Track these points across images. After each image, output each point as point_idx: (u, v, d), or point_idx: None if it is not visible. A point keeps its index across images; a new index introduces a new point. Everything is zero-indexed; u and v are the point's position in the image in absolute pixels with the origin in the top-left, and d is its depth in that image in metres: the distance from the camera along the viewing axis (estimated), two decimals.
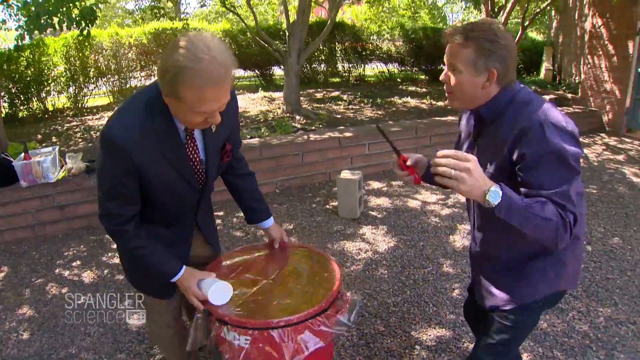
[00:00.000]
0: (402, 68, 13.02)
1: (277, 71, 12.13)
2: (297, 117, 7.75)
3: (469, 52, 1.53)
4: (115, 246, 4.15)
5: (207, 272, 1.86)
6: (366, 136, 5.87)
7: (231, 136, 1.89)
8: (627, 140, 7.58)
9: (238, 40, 11.19)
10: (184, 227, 1.96)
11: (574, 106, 8.66)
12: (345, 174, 4.63)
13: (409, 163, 1.78)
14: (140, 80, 10.10)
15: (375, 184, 5.60)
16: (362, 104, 9.15)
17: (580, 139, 1.54)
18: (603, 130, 8.13)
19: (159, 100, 1.55)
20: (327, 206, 4.97)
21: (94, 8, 5.61)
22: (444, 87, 1.67)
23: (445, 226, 4.44)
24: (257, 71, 11.76)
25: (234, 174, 2.14)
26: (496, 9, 8.15)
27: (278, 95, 9.38)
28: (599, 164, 6.32)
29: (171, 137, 1.63)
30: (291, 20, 7.99)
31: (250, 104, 8.77)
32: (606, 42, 8.09)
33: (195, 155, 1.74)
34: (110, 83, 9.67)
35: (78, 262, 3.99)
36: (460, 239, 4.17)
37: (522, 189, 1.52)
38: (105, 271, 3.81)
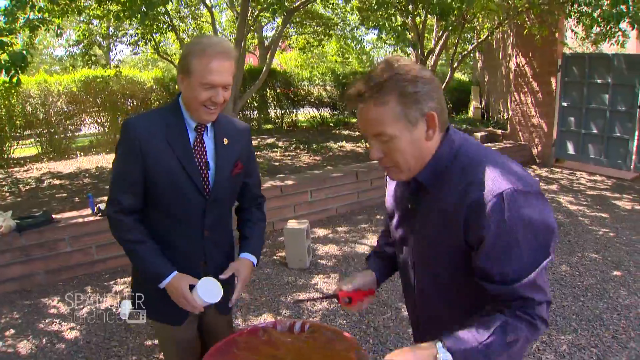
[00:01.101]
0: (334, 112, 13.33)
1: None
2: None
3: (392, 107, 1.17)
4: (52, 311, 3.91)
5: (195, 278, 1.81)
6: (308, 183, 5.91)
7: (246, 162, 1.95)
8: (556, 170, 8.14)
9: (170, 89, 11.08)
10: (190, 249, 1.89)
11: (504, 141, 9.23)
12: (292, 224, 4.62)
13: (349, 288, 1.52)
14: (69, 131, 9.77)
15: (321, 231, 5.61)
16: (299, 150, 9.26)
17: None
18: (534, 163, 8.68)
19: (175, 105, 1.80)
20: (275, 257, 4.91)
21: (25, 54, 5.33)
22: (379, 164, 1.30)
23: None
24: None
25: (246, 208, 2.11)
26: (426, 53, 8.56)
27: None
28: None
29: (180, 129, 1.78)
30: None
31: None
32: (530, 79, 8.71)
33: (202, 156, 1.81)
34: (39, 133, 9.30)
35: (12, 331, 3.68)
36: None
37: (479, 279, 1.23)
38: (44, 340, 3.53)
